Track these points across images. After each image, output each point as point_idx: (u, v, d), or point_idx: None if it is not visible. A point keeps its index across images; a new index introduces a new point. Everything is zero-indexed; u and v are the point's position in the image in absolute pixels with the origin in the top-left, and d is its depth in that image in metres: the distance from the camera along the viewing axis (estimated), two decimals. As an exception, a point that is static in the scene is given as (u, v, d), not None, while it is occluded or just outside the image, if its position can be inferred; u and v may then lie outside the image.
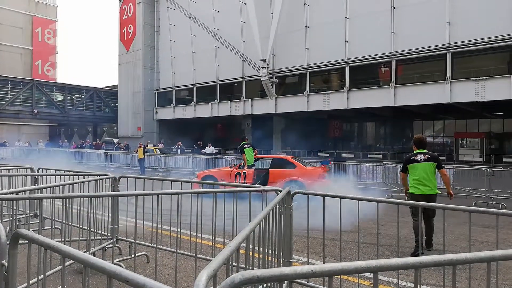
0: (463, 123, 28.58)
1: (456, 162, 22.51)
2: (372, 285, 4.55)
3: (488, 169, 11.29)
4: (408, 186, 6.29)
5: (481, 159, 25.21)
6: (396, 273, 4.25)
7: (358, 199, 3.85)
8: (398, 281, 3.82)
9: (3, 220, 5.78)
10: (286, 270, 1.37)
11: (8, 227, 5.35)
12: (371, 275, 1.59)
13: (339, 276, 3.92)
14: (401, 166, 6.41)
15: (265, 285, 2.94)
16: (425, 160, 6.08)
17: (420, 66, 21.13)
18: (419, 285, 1.72)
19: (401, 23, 20.42)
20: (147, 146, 21.12)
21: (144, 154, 20.35)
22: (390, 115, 26.61)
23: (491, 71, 18.19)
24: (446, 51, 19.04)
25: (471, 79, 18.35)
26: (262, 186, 5.93)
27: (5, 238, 2.17)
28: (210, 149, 23.88)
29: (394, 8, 20.53)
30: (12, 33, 43.91)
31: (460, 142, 28.09)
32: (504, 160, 23.39)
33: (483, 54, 18.72)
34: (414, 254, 5.69)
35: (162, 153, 25.33)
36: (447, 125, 30.06)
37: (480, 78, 18.07)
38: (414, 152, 6.29)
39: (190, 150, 27.96)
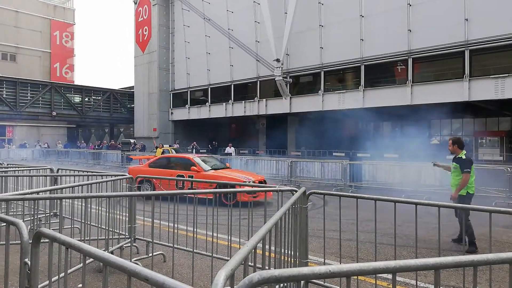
0: (482, 122, 27.97)
1: (476, 162, 22.03)
2: (389, 286, 4.49)
3: (508, 169, 11.05)
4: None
5: (501, 158, 24.62)
6: (414, 274, 4.19)
7: (375, 199, 3.81)
8: (416, 283, 3.76)
9: (24, 220, 5.93)
10: (304, 270, 1.37)
11: (29, 226, 5.48)
12: (389, 275, 1.57)
13: (356, 277, 3.89)
14: (468, 167, 6.51)
15: (281, 285, 2.94)
16: None
17: (437, 64, 20.75)
18: (439, 287, 1.70)
19: (417, 20, 20.09)
20: (161, 146, 21.36)
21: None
22: (407, 114, 26.23)
23: (511, 68, 17.75)
24: (464, 49, 18.65)
25: (490, 76, 17.94)
26: (277, 186, 5.94)
27: (28, 237, 2.23)
28: (231, 150, 23.90)
29: (410, 5, 20.22)
30: (31, 37, 44.94)
31: (480, 141, 27.49)
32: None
33: (502, 51, 18.25)
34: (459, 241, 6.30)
35: (177, 153, 25.56)
36: (466, 124, 29.46)
37: (500, 75, 17.64)
38: (464, 153, 6.69)
39: (205, 150, 28.13)
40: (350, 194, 4.24)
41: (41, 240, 2.16)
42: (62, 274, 2.64)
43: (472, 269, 1.75)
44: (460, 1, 18.51)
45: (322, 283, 4.06)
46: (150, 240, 4.90)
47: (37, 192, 4.76)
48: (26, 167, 8.99)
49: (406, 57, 20.62)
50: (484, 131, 27.97)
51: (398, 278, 4.64)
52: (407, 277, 4.65)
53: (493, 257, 1.60)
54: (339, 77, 24.84)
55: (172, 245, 4.45)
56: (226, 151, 23.81)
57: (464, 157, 6.57)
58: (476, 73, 18.58)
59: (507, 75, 17.42)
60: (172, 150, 26.37)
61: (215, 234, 4.54)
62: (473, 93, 18.42)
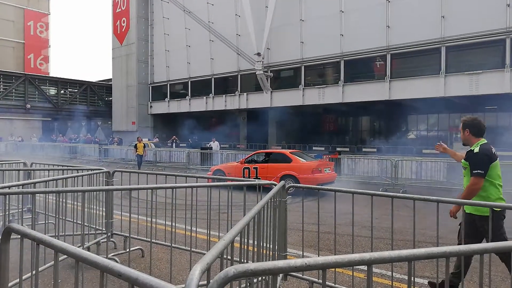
0: (457, 117, 28.71)
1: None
2: (366, 277, 4.58)
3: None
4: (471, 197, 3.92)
5: (475, 152, 25.29)
6: (390, 265, 4.28)
7: (353, 192, 3.86)
8: (392, 274, 3.84)
9: (-4, 215, 5.73)
10: (280, 263, 1.37)
11: (1, 222, 5.32)
12: (365, 267, 1.59)
13: (333, 269, 3.95)
14: (481, 167, 3.87)
15: (260, 278, 2.95)
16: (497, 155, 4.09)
17: (415, 60, 21.15)
18: (412, 277, 1.73)
19: (396, 17, 20.40)
20: (140, 140, 20.96)
21: (143, 151, 20.21)
22: (385, 109, 26.68)
23: (485, 65, 18.26)
24: (440, 45, 19.07)
25: (465, 73, 18.42)
26: (257, 180, 5.95)
27: (-3, 233, 2.15)
28: (214, 144, 23.23)
29: (389, 1, 20.49)
30: (4, 27, 43.29)
31: (454, 136, 28.22)
32: (498, 154, 23.50)
33: (477, 48, 18.77)
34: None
35: (157, 147, 25.24)
36: (441, 119, 30.19)
37: (474, 72, 18.14)
38: (484, 142, 4.07)
39: (185, 144, 27.89)
40: (328, 187, 4.27)
41: (12, 236, 2.09)
42: (34, 272, 2.56)
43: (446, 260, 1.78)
44: (437, -1, 18.88)
45: (301, 275, 4.10)
46: (128, 235, 4.83)
47: (9, 187, 4.61)
48: (-2, 161, 8.69)
49: (385, 53, 20.93)
50: (458, 126, 28.72)
51: (374, 270, 4.73)
52: (384, 269, 4.75)
53: (465, 249, 1.64)
54: (320, 72, 25.02)
55: (150, 239, 4.39)
56: (209, 145, 23.36)
57: (477, 150, 3.97)
58: (452, 69, 19.05)
59: (481, 71, 17.91)
60: (152, 144, 26.05)
61: (194, 228, 4.51)
62: (449, 89, 18.89)
